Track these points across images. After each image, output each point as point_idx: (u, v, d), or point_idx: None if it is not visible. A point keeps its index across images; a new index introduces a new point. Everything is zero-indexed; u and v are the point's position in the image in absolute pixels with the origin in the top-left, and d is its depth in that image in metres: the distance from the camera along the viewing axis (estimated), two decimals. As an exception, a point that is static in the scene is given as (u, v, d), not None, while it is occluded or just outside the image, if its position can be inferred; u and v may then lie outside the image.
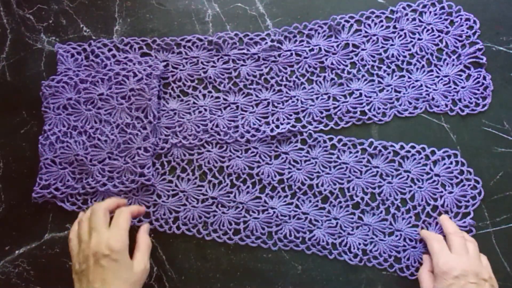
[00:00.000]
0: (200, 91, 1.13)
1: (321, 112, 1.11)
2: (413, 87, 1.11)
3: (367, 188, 1.08)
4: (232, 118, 1.11)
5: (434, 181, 1.08)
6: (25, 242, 1.11)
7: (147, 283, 1.08)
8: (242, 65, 1.13)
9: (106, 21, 1.17)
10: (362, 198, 1.08)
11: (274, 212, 1.08)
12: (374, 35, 1.13)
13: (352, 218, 1.07)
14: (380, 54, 1.12)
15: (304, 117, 1.11)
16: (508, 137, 1.09)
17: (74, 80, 1.11)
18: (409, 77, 1.11)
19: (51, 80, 1.11)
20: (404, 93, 1.11)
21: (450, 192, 1.07)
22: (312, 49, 1.13)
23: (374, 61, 1.12)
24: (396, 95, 1.11)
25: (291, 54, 1.13)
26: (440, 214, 1.06)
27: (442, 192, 1.07)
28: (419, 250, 1.06)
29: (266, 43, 1.13)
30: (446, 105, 1.10)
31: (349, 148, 1.10)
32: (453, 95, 1.10)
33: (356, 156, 1.09)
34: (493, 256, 1.05)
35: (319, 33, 1.14)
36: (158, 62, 1.12)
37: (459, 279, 0.92)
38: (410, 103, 1.10)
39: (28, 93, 1.13)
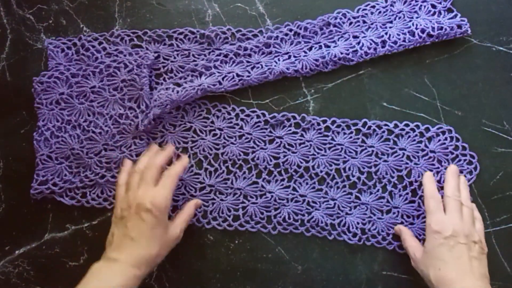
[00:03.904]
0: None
1: (316, 60, 1.12)
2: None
3: (363, 168, 1.08)
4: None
5: (430, 157, 1.08)
6: (25, 242, 1.11)
7: (147, 283, 1.08)
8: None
9: (106, 21, 1.17)
10: (359, 178, 1.08)
11: (272, 196, 1.08)
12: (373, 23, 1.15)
13: (350, 198, 1.08)
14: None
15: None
16: (508, 137, 1.09)
17: (66, 75, 1.11)
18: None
19: (42, 76, 1.11)
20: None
21: (447, 168, 1.07)
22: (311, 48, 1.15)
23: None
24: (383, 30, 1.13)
25: (289, 56, 1.14)
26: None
27: (438, 168, 1.08)
28: (417, 226, 1.06)
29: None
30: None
31: (343, 129, 1.10)
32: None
33: (351, 137, 1.09)
34: (493, 256, 1.05)
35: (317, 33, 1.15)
36: (149, 52, 1.12)
37: (449, 240, 0.93)
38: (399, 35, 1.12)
39: (28, 93, 1.13)
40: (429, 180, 1.04)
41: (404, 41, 1.11)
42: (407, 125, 1.09)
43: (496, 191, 1.08)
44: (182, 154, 1.09)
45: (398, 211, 1.07)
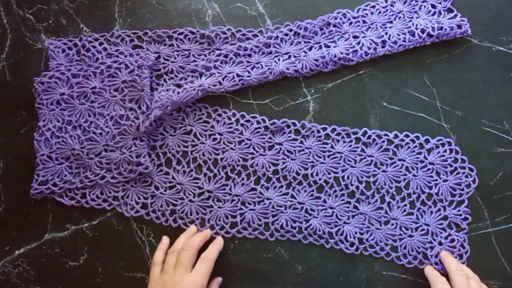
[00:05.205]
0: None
1: (316, 60, 1.12)
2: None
3: (362, 177, 1.09)
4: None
5: (429, 169, 1.08)
6: (25, 242, 1.11)
7: (146, 283, 1.08)
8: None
9: (106, 21, 1.17)
10: (357, 187, 1.08)
11: (270, 203, 1.08)
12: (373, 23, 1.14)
13: (348, 207, 1.08)
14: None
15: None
16: (508, 137, 1.09)
17: (66, 75, 1.11)
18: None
19: (43, 76, 1.11)
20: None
21: (445, 180, 1.08)
22: (311, 48, 1.14)
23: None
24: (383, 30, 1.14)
25: (289, 56, 1.14)
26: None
27: (436, 180, 1.08)
28: (416, 239, 1.06)
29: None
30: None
31: (343, 137, 1.10)
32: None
33: (350, 146, 1.09)
34: (493, 256, 1.06)
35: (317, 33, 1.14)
36: (149, 53, 1.12)
37: None
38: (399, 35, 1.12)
39: (28, 93, 1.13)
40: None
41: (404, 41, 1.11)
42: (407, 135, 1.09)
43: (496, 191, 1.09)
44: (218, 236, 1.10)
45: (397, 223, 1.07)
